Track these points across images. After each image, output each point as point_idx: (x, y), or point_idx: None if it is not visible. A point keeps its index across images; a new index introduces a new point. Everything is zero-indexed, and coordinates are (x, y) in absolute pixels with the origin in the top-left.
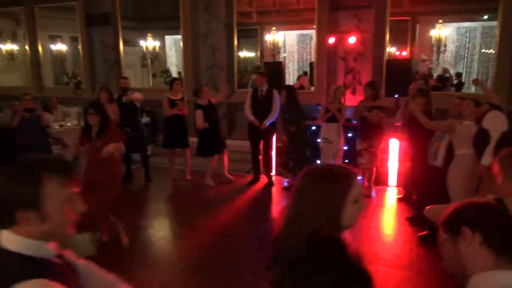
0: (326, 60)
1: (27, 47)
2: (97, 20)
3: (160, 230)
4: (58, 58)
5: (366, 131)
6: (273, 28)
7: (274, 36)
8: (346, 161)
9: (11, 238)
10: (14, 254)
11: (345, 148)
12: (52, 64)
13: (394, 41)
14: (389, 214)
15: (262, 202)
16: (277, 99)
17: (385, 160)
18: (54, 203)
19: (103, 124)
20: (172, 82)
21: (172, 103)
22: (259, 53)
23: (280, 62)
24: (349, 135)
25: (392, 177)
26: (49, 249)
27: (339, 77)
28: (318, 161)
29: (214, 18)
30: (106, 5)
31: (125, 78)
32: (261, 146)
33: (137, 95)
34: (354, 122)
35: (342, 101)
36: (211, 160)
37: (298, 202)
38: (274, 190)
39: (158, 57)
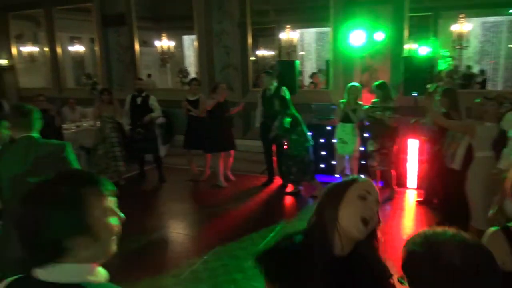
0: (342, 57)
1: (46, 49)
2: (113, 21)
3: (171, 231)
4: (77, 60)
5: (377, 132)
6: (287, 26)
7: (288, 35)
8: (362, 162)
9: (61, 270)
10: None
11: (362, 148)
12: (73, 65)
13: (416, 38)
14: (407, 218)
15: (274, 205)
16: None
17: (403, 161)
18: (101, 220)
19: None
20: (190, 82)
21: (189, 104)
22: (277, 52)
23: (294, 61)
24: (365, 135)
25: (412, 179)
26: (94, 270)
27: (355, 76)
28: (333, 162)
29: (227, 18)
30: (121, 6)
31: (140, 79)
32: (274, 147)
33: (151, 117)
34: (367, 123)
35: (359, 100)
36: (220, 160)
37: None
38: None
39: (173, 57)
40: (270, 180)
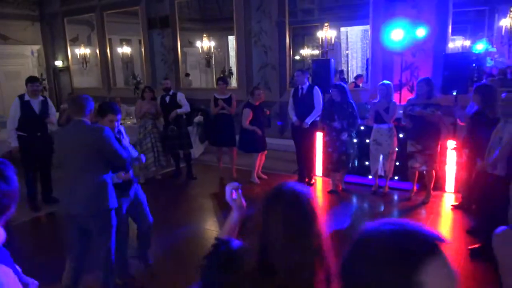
0: (382, 55)
1: (97, 51)
2: (157, 23)
3: (201, 227)
4: (126, 61)
5: (420, 132)
6: (325, 24)
7: (326, 33)
8: (398, 163)
9: None
10: None
11: (397, 149)
12: (122, 66)
13: (471, 34)
14: (442, 223)
15: None
16: (319, 97)
17: (442, 163)
18: None
19: None
20: (217, 81)
21: (216, 102)
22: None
23: (328, 60)
24: (401, 136)
25: (450, 183)
26: None
27: (395, 74)
28: (367, 163)
29: (266, 17)
30: (166, 9)
31: (167, 79)
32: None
33: (177, 113)
34: (403, 123)
35: (391, 98)
36: (256, 157)
37: None
38: (316, 191)
39: (215, 57)
40: (301, 179)
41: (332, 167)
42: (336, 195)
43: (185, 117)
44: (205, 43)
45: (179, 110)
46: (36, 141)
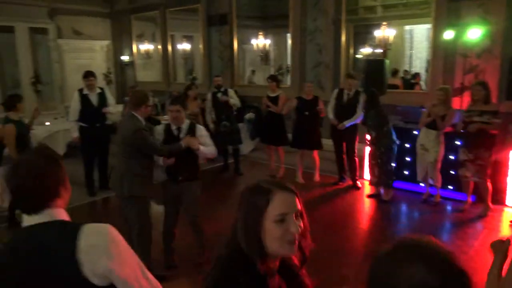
0: (443, 57)
1: (159, 47)
2: (216, 20)
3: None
4: (187, 56)
5: (474, 140)
6: (384, 23)
7: (384, 32)
8: (453, 172)
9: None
10: None
11: (452, 157)
12: (184, 62)
13: None
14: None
15: (342, 206)
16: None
17: (503, 175)
18: None
19: None
20: (267, 79)
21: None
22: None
23: (383, 60)
24: (456, 143)
25: (511, 196)
26: None
27: (457, 76)
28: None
29: (322, 15)
30: (225, 6)
31: (218, 76)
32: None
33: (226, 98)
34: (462, 130)
35: (449, 104)
36: (300, 155)
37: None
38: (359, 195)
39: (270, 54)
40: (340, 180)
41: (373, 181)
42: (376, 200)
43: (235, 113)
44: (261, 41)
45: (231, 100)
46: (95, 132)
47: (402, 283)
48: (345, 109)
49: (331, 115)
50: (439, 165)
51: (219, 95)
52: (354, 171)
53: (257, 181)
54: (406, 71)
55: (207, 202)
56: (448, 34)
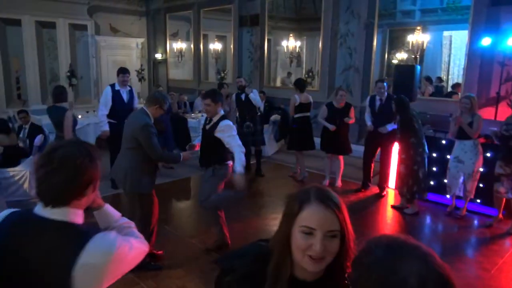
0: (479, 65)
1: (192, 46)
2: (247, 21)
3: (260, 226)
4: (216, 56)
5: (508, 153)
6: (418, 28)
7: (418, 37)
8: (482, 185)
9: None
10: None
11: (482, 170)
12: (216, 61)
13: None
14: None
15: (365, 215)
16: None
17: None
18: None
19: None
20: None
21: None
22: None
23: (413, 66)
24: (487, 155)
25: None
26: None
27: (494, 85)
28: (445, 181)
29: (354, 18)
30: (257, 7)
31: (239, 77)
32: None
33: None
34: (496, 142)
35: (476, 111)
36: (327, 160)
37: None
38: (382, 204)
39: (304, 57)
40: (364, 186)
41: (403, 191)
42: (399, 212)
43: (259, 113)
44: (291, 43)
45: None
46: (123, 128)
47: (408, 278)
48: (378, 116)
49: (369, 122)
50: (477, 177)
51: (243, 96)
52: (385, 178)
53: (310, 186)
54: (438, 78)
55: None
56: (486, 41)
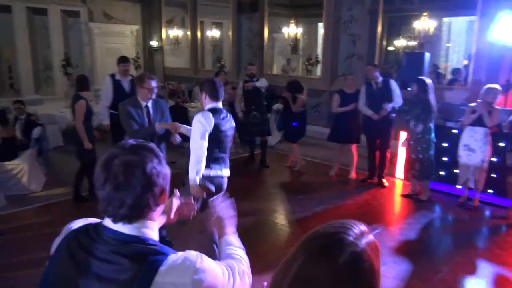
0: (488, 52)
1: (188, 33)
2: (247, 8)
3: (266, 218)
4: (216, 43)
5: None
6: (424, 14)
7: (424, 23)
8: (495, 175)
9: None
10: None
11: (495, 159)
12: (213, 49)
13: None
14: None
15: (380, 205)
16: (397, 90)
17: None
18: None
19: None
20: None
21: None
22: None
23: (422, 53)
24: (500, 144)
25: None
26: None
27: (502, 72)
28: (456, 171)
29: (358, 4)
30: None
31: (252, 64)
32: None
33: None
34: (506, 130)
35: (495, 104)
36: (339, 150)
37: None
38: (390, 194)
39: (301, 44)
40: (370, 177)
41: (415, 174)
42: (411, 200)
43: (266, 103)
44: (292, 29)
45: (257, 83)
46: None
47: None
48: (376, 99)
49: (368, 110)
50: (486, 166)
51: (245, 86)
52: (383, 168)
53: None
54: (434, 65)
55: (230, 193)
56: (496, 26)
